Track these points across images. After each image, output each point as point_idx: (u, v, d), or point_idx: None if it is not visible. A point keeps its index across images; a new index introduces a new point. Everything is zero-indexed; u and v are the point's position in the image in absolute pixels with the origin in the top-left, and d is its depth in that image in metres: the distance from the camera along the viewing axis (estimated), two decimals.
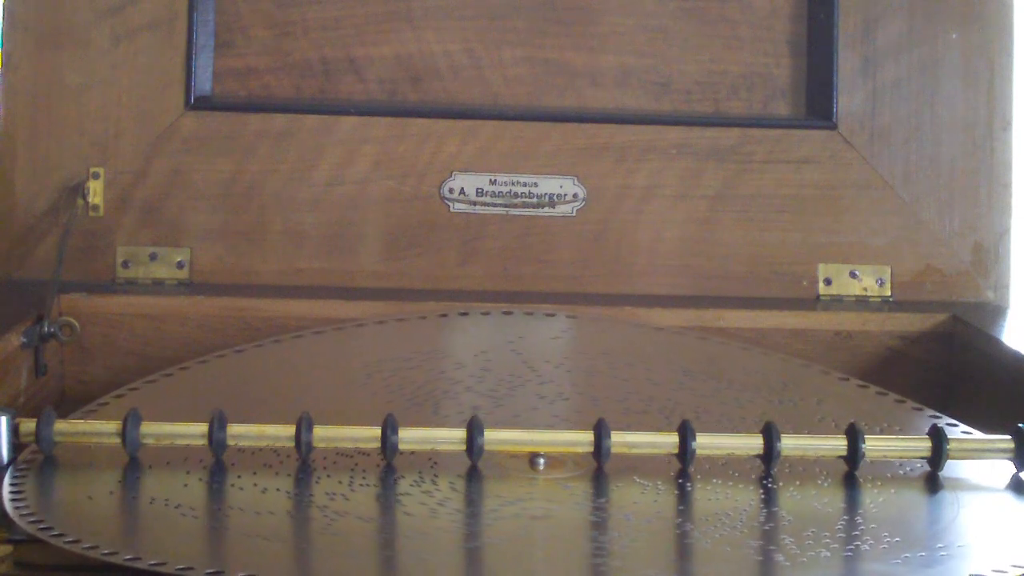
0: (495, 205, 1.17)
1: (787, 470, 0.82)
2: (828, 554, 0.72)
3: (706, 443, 0.81)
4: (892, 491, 0.80)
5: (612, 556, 0.71)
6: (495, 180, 1.17)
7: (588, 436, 0.81)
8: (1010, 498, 0.80)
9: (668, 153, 1.18)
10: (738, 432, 0.84)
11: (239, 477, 0.79)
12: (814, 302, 1.16)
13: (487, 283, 1.17)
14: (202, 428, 0.81)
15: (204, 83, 1.17)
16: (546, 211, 1.17)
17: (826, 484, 0.81)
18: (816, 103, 1.19)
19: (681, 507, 0.78)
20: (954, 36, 1.18)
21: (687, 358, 1.03)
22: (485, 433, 0.80)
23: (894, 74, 1.18)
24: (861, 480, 0.81)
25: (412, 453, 0.81)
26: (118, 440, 0.80)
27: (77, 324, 1.06)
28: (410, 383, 0.96)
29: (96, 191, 1.15)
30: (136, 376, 0.99)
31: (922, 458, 0.82)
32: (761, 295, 1.17)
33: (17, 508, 0.74)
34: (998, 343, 1.04)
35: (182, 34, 1.16)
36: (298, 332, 1.06)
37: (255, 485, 0.78)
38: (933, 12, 1.18)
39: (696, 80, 1.20)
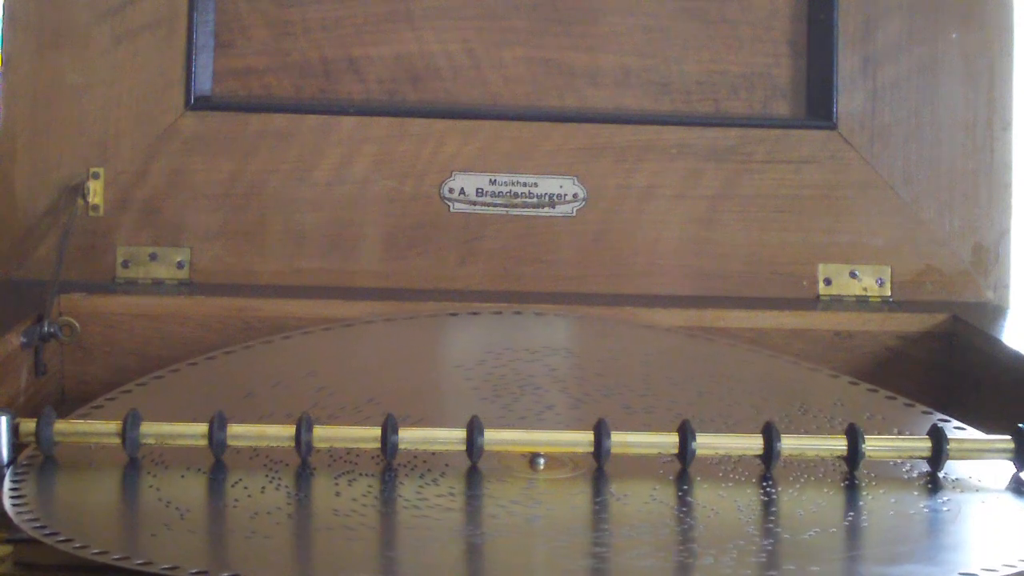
0: (495, 205, 1.17)
1: (787, 470, 0.82)
2: (827, 554, 0.72)
3: (706, 443, 0.81)
4: (892, 491, 0.80)
5: (612, 556, 0.71)
6: (495, 180, 1.17)
7: (588, 436, 0.81)
8: (1010, 498, 0.80)
9: (668, 153, 1.18)
10: (738, 432, 0.84)
11: (239, 478, 0.79)
12: (814, 302, 1.16)
13: (487, 283, 1.16)
14: (202, 428, 0.80)
15: (204, 83, 1.17)
16: (546, 211, 1.17)
17: (826, 484, 0.81)
18: (816, 103, 1.19)
19: (681, 508, 0.78)
20: (954, 36, 1.18)
21: (690, 359, 1.03)
22: (485, 433, 0.80)
23: (894, 74, 1.18)
24: (861, 480, 0.81)
25: (413, 452, 0.82)
26: (118, 440, 0.80)
27: (77, 324, 1.06)
28: (503, 375, 0.98)
29: (96, 191, 1.15)
30: (136, 376, 0.99)
31: (922, 458, 0.82)
32: (761, 295, 1.17)
33: (17, 508, 0.73)
34: (998, 343, 1.04)
35: (182, 34, 1.16)
36: (302, 330, 1.06)
37: (255, 485, 0.78)
38: (933, 12, 1.18)
39: (696, 80, 1.20)
